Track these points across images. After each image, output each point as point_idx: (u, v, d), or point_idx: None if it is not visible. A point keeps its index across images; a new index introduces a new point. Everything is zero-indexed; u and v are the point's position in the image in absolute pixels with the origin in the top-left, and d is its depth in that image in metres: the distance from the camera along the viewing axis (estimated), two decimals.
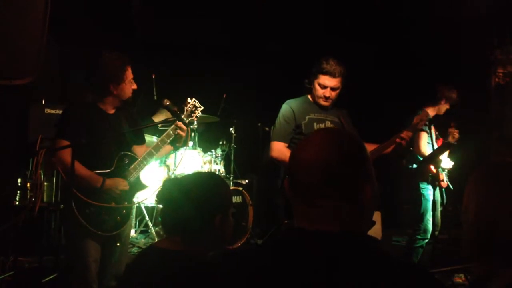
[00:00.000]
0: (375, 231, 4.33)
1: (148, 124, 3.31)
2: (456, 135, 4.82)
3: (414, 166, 4.88)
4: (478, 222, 1.44)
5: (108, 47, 3.21)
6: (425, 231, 4.75)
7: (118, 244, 3.21)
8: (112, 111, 3.29)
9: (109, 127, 3.22)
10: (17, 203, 4.90)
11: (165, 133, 3.33)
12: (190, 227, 1.87)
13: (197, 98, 3.46)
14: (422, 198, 4.82)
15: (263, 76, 7.17)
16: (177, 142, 3.37)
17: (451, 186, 4.96)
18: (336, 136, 1.35)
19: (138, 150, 3.39)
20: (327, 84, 3.65)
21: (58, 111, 4.91)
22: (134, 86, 3.28)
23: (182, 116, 3.34)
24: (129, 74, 3.24)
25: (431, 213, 4.78)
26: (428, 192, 4.84)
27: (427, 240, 4.78)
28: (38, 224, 4.88)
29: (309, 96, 3.82)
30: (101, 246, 3.14)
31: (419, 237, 4.77)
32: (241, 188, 6.05)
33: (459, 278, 4.70)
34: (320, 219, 1.25)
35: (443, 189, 4.90)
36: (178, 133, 3.30)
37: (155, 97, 6.06)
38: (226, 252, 1.76)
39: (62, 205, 3.11)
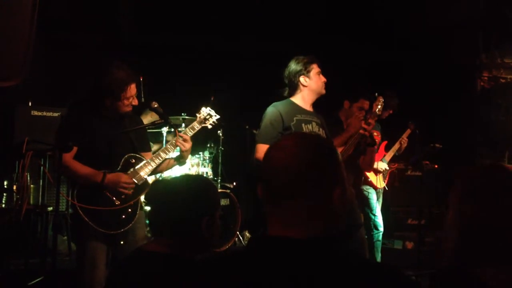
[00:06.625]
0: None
1: (136, 127, 3.29)
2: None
3: None
4: (458, 226, 1.47)
5: (94, 47, 3.20)
6: (376, 226, 5.02)
7: (122, 242, 3.15)
8: (113, 116, 3.28)
9: (109, 130, 3.21)
10: (3, 205, 4.87)
11: (169, 142, 3.38)
12: (177, 230, 1.88)
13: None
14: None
15: (251, 79, 7.17)
16: (180, 157, 3.42)
17: (386, 187, 5.29)
18: (307, 139, 1.36)
19: (145, 156, 3.37)
20: (320, 70, 3.77)
21: (45, 113, 4.89)
22: (135, 102, 3.25)
23: (194, 123, 3.44)
24: (130, 92, 3.18)
25: (377, 209, 5.06)
26: (369, 191, 5.07)
27: (381, 233, 5.06)
28: (24, 227, 4.84)
29: (292, 99, 3.83)
30: (106, 245, 3.11)
31: (373, 233, 5.03)
32: (228, 191, 6.05)
33: None
34: (288, 223, 1.26)
35: (380, 191, 5.16)
36: (180, 144, 3.33)
37: (143, 99, 6.03)
38: (213, 255, 1.77)
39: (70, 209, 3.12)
